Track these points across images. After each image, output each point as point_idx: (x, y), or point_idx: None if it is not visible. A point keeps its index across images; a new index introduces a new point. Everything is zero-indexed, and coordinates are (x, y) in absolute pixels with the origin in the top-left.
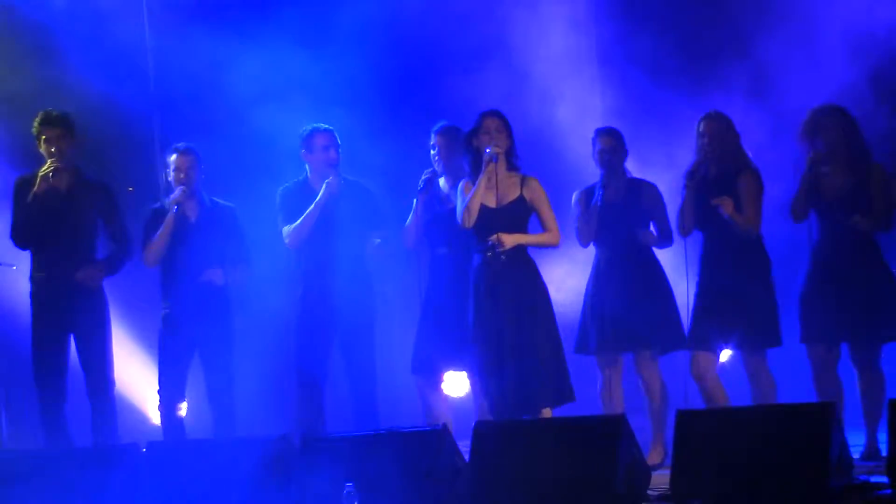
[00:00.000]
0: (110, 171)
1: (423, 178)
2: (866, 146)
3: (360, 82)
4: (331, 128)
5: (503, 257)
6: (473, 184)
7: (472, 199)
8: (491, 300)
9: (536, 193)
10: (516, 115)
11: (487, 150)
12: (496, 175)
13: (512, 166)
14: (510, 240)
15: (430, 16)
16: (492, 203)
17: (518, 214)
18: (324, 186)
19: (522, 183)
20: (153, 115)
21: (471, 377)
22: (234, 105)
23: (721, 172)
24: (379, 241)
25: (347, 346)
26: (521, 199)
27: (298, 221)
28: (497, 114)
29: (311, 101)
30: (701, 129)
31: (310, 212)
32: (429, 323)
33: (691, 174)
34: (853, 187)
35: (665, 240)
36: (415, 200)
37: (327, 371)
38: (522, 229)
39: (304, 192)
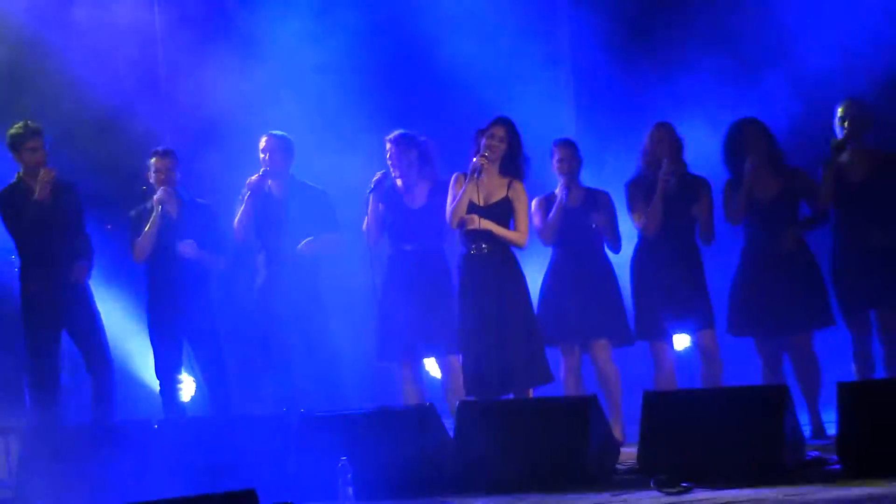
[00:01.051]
0: (121, 176)
1: (374, 179)
2: (783, 156)
3: (328, 98)
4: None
5: (485, 250)
6: (465, 178)
7: (458, 203)
8: (476, 291)
9: (518, 196)
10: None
11: (475, 160)
12: (482, 178)
13: (507, 170)
14: (484, 223)
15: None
16: (479, 202)
17: (501, 214)
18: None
19: (510, 186)
20: (164, 124)
21: (444, 362)
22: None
23: (680, 183)
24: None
25: (303, 333)
26: (506, 199)
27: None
28: (504, 122)
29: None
30: (654, 139)
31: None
32: (396, 314)
33: (641, 181)
34: (779, 192)
35: (616, 243)
36: (370, 199)
37: (288, 356)
38: (506, 226)
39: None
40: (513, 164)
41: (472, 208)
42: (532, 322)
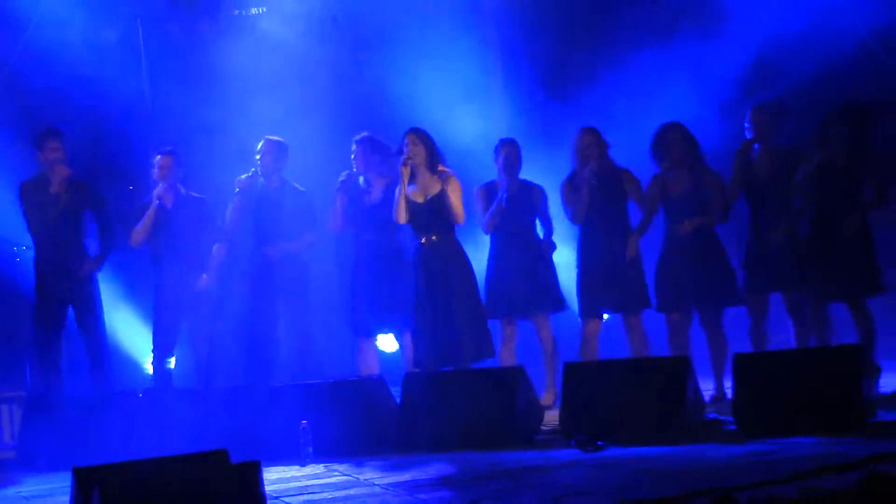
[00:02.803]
0: (113, 175)
1: (340, 178)
2: (703, 156)
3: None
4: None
5: (435, 240)
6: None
7: (397, 203)
8: (427, 275)
9: (453, 187)
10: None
11: (398, 166)
12: (415, 177)
13: (435, 169)
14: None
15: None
16: (419, 199)
17: (440, 206)
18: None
19: (446, 181)
20: (149, 131)
21: (400, 337)
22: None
23: (605, 176)
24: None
25: (286, 313)
26: (442, 192)
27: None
28: (414, 131)
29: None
30: (579, 142)
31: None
32: (361, 294)
33: (576, 179)
34: (693, 188)
35: (550, 228)
36: (336, 196)
37: (274, 333)
38: (446, 218)
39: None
40: (434, 160)
41: (415, 206)
42: (478, 303)
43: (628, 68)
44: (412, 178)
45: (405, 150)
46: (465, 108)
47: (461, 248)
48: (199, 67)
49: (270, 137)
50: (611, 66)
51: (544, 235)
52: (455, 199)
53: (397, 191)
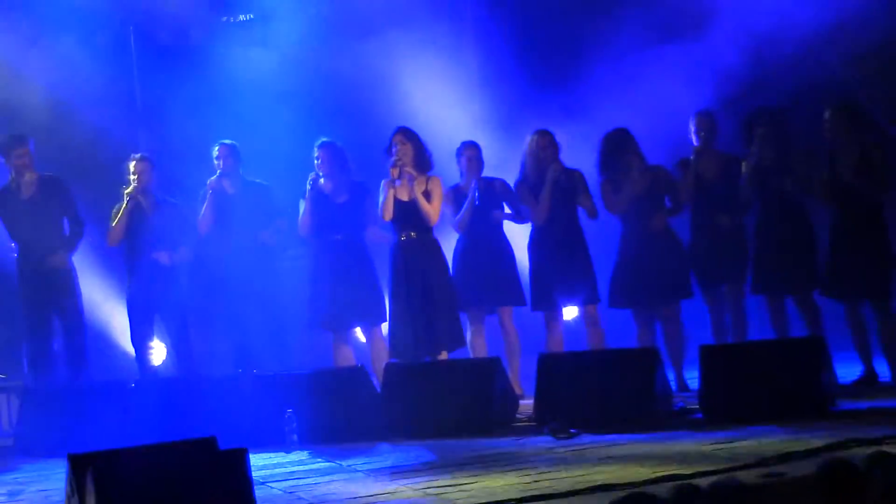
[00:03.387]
0: (102, 177)
1: (309, 181)
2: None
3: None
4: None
5: (413, 237)
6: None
7: (385, 202)
8: (405, 270)
9: (435, 189)
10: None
11: (391, 170)
12: (402, 176)
13: (422, 167)
14: (413, 173)
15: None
16: (404, 197)
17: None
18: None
19: (428, 181)
20: (137, 132)
21: (369, 332)
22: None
23: (562, 179)
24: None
25: (257, 307)
26: (425, 193)
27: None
28: (402, 131)
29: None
30: (535, 145)
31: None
32: (331, 291)
33: (527, 180)
34: (648, 188)
35: (521, 218)
36: (301, 200)
37: (244, 325)
38: (427, 218)
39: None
40: (423, 160)
41: (400, 205)
42: (452, 297)
43: (606, 68)
44: (399, 177)
45: (394, 148)
46: (445, 107)
47: (439, 244)
48: (189, 72)
49: (224, 142)
50: (590, 65)
51: (517, 222)
52: (436, 200)
53: (382, 184)
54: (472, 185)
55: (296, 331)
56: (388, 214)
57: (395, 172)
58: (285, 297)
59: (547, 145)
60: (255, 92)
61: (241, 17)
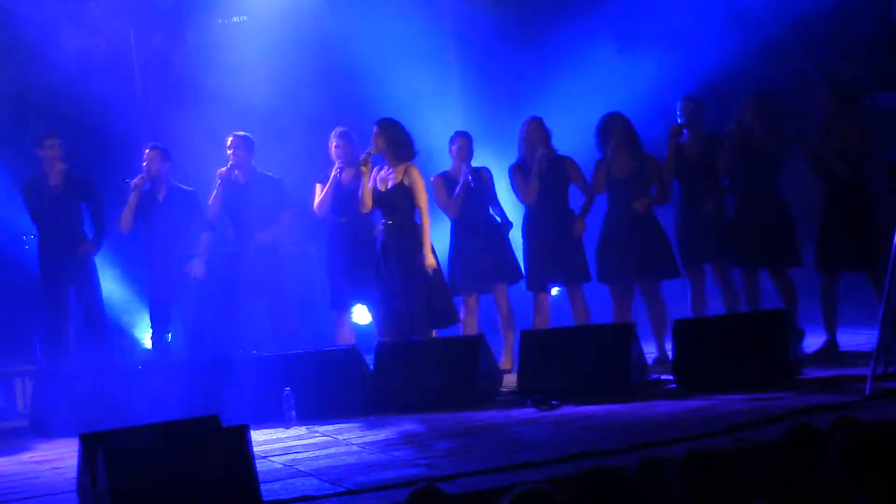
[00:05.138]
0: (110, 166)
1: (334, 171)
2: (640, 142)
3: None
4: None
5: (394, 222)
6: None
7: (362, 194)
8: (390, 254)
9: (413, 179)
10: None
11: (360, 157)
12: (379, 168)
13: (398, 158)
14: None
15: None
16: (382, 187)
17: (399, 195)
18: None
19: (405, 171)
20: (140, 122)
21: (372, 309)
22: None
23: (550, 162)
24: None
25: (264, 290)
26: (400, 184)
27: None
28: (378, 123)
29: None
30: (528, 130)
31: None
32: (336, 272)
33: (526, 165)
34: (632, 170)
35: (500, 208)
36: (316, 185)
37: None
38: (405, 205)
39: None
40: (397, 151)
41: (378, 194)
42: (440, 278)
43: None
44: (381, 166)
45: (371, 141)
46: (429, 101)
47: (418, 229)
48: (186, 73)
49: (238, 133)
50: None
51: (499, 215)
52: (420, 195)
53: (362, 180)
54: (463, 170)
55: (302, 311)
56: (367, 205)
57: (366, 167)
58: (291, 282)
59: (535, 131)
60: (251, 87)
61: (235, 19)
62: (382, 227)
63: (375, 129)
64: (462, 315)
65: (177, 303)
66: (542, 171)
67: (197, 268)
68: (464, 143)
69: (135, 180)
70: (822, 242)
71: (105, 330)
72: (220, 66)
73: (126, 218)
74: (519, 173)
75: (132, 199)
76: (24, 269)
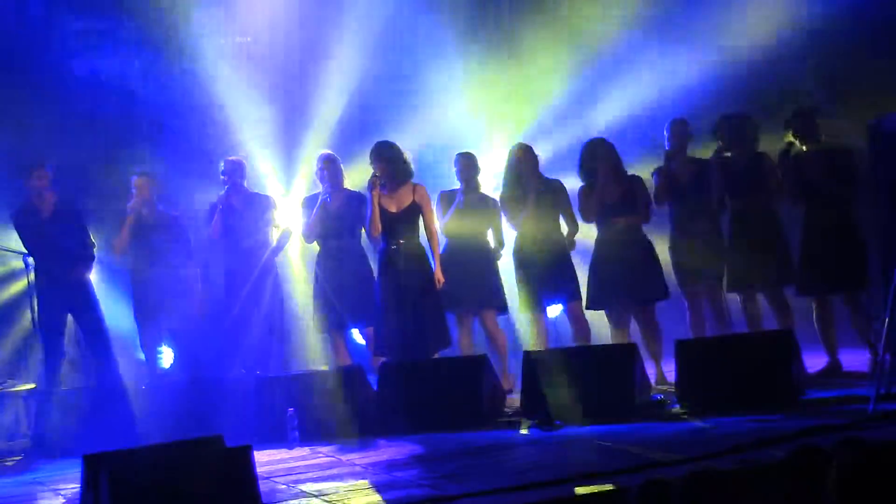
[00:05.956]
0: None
1: (305, 195)
2: (623, 165)
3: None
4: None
5: (402, 245)
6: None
7: (371, 217)
8: (392, 276)
9: (423, 198)
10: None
11: (369, 183)
12: (386, 190)
13: (399, 179)
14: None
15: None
16: (393, 209)
17: (411, 215)
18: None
19: (414, 191)
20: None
21: (366, 333)
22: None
23: (543, 189)
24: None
25: (261, 310)
26: (413, 203)
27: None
28: (374, 150)
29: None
30: (513, 157)
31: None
32: (330, 294)
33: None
34: (622, 195)
35: (501, 238)
36: (303, 210)
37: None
38: (416, 224)
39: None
40: (401, 172)
41: (388, 216)
42: (437, 300)
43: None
44: (385, 190)
45: (373, 168)
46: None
47: (425, 251)
48: (194, 96)
49: (230, 158)
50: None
51: (496, 244)
52: (429, 215)
53: (371, 205)
54: (459, 190)
55: (297, 333)
56: (376, 230)
57: (375, 193)
58: (287, 302)
59: (523, 159)
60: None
61: (239, 40)
62: (390, 249)
63: (374, 156)
64: (457, 336)
65: (166, 323)
66: (532, 198)
67: (200, 303)
68: (464, 163)
69: (130, 206)
70: (805, 266)
71: (108, 350)
72: (224, 87)
73: (121, 242)
74: (511, 200)
75: (128, 224)
76: (26, 289)
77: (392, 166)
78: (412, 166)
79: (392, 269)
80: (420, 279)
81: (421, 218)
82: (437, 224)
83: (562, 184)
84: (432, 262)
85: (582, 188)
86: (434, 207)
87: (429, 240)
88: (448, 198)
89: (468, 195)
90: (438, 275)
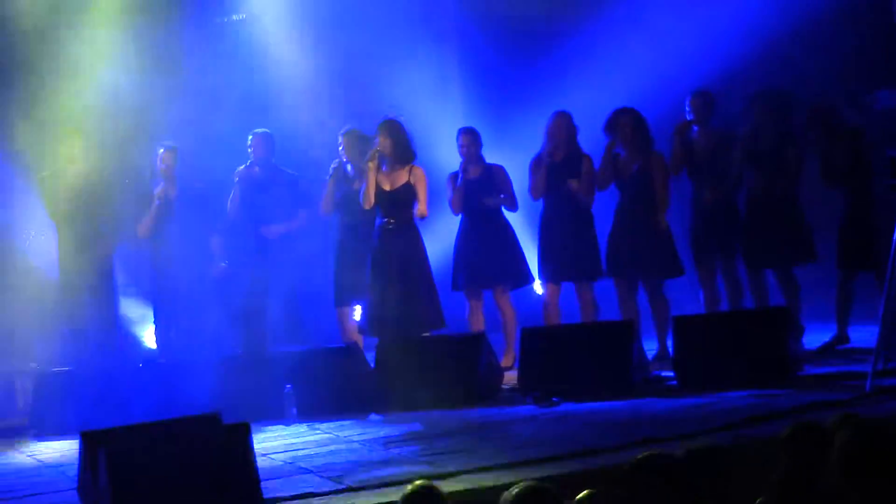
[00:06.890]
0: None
1: (332, 167)
2: (651, 139)
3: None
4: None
5: (393, 223)
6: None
7: (365, 190)
8: (385, 253)
9: (418, 178)
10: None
11: (368, 155)
12: (382, 168)
13: (404, 159)
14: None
15: None
16: (387, 187)
17: (405, 195)
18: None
19: (410, 171)
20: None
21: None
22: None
23: (566, 158)
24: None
25: (279, 285)
26: (407, 183)
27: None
28: (383, 123)
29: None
30: (551, 123)
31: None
32: (342, 270)
33: (542, 159)
34: (639, 169)
35: (512, 205)
36: (327, 183)
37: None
38: (410, 205)
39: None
40: (402, 151)
41: (382, 193)
42: (429, 279)
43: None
44: (383, 166)
45: (376, 141)
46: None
47: (417, 231)
48: (189, 73)
49: (258, 130)
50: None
51: (509, 209)
52: (422, 194)
53: (367, 179)
54: (460, 171)
55: (308, 306)
56: (369, 203)
57: (372, 165)
58: (301, 275)
59: (559, 126)
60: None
61: (235, 17)
62: (382, 227)
63: (381, 129)
64: (466, 312)
65: (183, 301)
66: (548, 167)
67: (218, 270)
68: (466, 139)
69: (158, 190)
70: (843, 241)
71: (116, 330)
72: (227, 64)
73: (144, 228)
74: (535, 167)
75: (153, 209)
76: (26, 266)
77: (398, 146)
78: (415, 148)
79: (383, 247)
80: (411, 258)
81: (415, 198)
82: (425, 208)
83: (591, 161)
84: (424, 242)
85: (602, 156)
86: (445, 188)
87: (419, 214)
88: (455, 177)
89: (472, 169)
90: None
